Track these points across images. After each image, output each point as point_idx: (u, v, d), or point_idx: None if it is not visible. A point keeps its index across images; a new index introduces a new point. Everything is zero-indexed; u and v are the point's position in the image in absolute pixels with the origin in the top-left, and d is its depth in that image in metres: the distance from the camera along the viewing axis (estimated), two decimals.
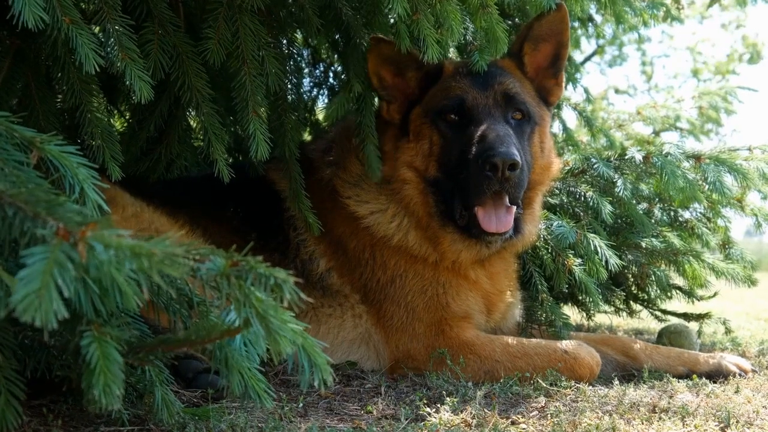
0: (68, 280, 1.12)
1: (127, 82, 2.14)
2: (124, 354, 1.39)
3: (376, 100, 2.90)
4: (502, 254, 2.93)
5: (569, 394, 2.38)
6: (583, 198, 3.33)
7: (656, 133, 5.29)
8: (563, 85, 3.05)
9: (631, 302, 3.91)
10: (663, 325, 3.76)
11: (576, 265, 2.95)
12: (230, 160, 3.70)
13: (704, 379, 2.70)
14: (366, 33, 2.77)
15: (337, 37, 3.77)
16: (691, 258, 3.26)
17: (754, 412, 2.18)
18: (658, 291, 3.68)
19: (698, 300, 3.82)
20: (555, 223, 3.00)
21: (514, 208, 2.67)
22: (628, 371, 2.86)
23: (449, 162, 2.71)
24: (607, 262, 2.89)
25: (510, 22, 3.76)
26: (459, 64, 2.90)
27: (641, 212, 3.41)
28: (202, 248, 1.24)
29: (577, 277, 2.93)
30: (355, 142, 2.85)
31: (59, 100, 2.70)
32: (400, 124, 2.87)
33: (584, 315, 3.94)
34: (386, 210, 2.84)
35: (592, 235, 2.96)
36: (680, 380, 2.66)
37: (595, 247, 2.91)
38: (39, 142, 1.49)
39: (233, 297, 1.22)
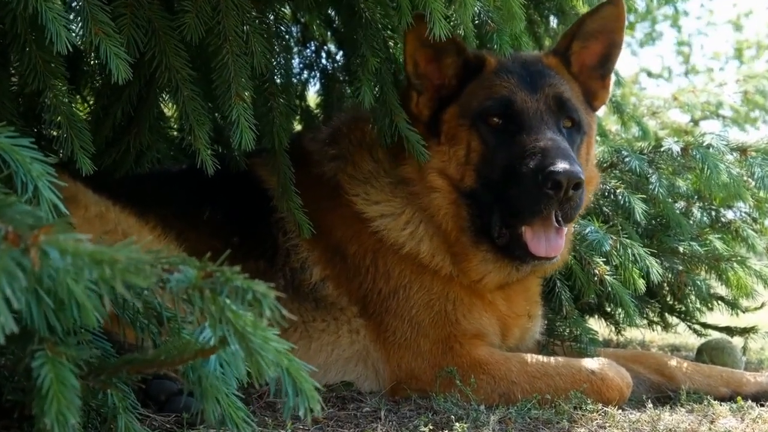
0: (18, 291, 1.10)
1: (101, 61, 2.11)
2: (84, 376, 1.37)
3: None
4: (526, 277, 2.90)
5: (596, 419, 2.36)
6: (612, 196, 3.31)
7: (695, 122, 5.28)
8: (610, 89, 3.03)
9: (667, 314, 3.90)
10: (703, 340, 3.74)
11: (608, 274, 2.92)
12: (209, 152, 3.68)
13: (750, 401, 2.67)
14: (373, 5, 2.74)
15: (332, 12, 3.75)
16: (735, 264, 3.24)
17: None
18: (698, 302, 3.67)
19: (743, 312, 3.80)
20: (588, 228, 2.98)
21: (565, 229, 2.63)
22: (664, 392, 2.84)
23: (491, 173, 2.67)
24: (647, 272, 2.86)
25: None
26: (503, 59, 2.85)
27: (678, 212, 3.39)
28: (171, 256, 1.22)
29: (609, 287, 2.91)
30: (372, 133, 2.81)
31: (14, 83, 2.68)
32: (428, 122, 2.82)
33: (613, 329, 3.93)
34: (400, 215, 2.82)
35: (629, 241, 2.94)
36: (723, 403, 2.64)
37: (633, 255, 2.88)
38: None
39: (207, 312, 1.20)
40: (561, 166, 2.44)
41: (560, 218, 2.58)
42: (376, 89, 2.73)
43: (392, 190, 2.85)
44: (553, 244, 2.59)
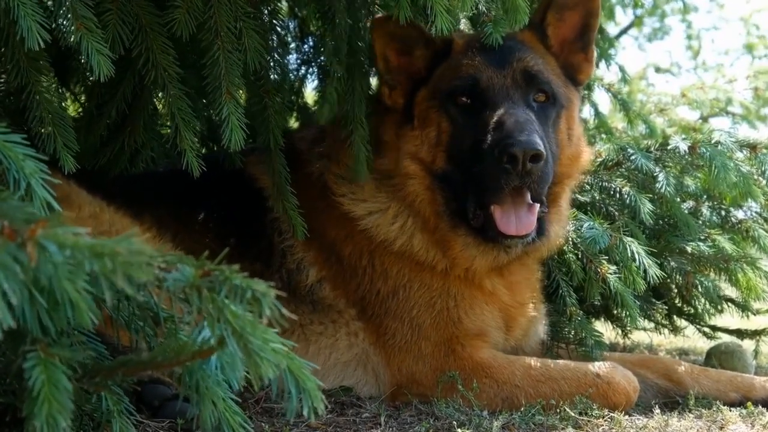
0: (15, 285, 1.11)
1: (83, 58, 2.12)
2: (78, 378, 1.37)
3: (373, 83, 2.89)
4: (523, 260, 2.92)
5: (602, 425, 2.37)
6: (618, 195, 3.31)
7: (704, 119, 5.29)
8: (594, 60, 3.03)
9: (675, 317, 3.90)
10: (712, 343, 3.75)
11: (611, 273, 2.93)
12: (203, 151, 3.69)
13: (760, 407, 2.69)
14: (347, 12, 2.76)
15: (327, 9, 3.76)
16: (745, 265, 3.24)
17: None
18: (707, 304, 3.66)
19: (754, 314, 3.80)
20: (585, 225, 2.99)
21: (537, 206, 2.66)
22: (671, 398, 2.86)
23: (460, 152, 2.71)
24: (645, 271, 2.87)
25: None
26: (470, 37, 2.90)
27: (686, 211, 3.40)
28: (168, 255, 1.23)
29: (611, 288, 2.92)
30: (343, 135, 2.84)
31: (2, 81, 2.69)
32: (404, 109, 2.87)
33: (619, 332, 3.93)
34: (387, 210, 2.84)
35: (629, 239, 2.95)
36: (732, 408, 2.65)
37: (632, 253, 2.89)
38: None
39: (205, 312, 1.21)
40: (516, 138, 2.47)
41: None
42: (350, 100, 2.75)
43: (377, 186, 2.87)
44: (524, 222, 2.61)
